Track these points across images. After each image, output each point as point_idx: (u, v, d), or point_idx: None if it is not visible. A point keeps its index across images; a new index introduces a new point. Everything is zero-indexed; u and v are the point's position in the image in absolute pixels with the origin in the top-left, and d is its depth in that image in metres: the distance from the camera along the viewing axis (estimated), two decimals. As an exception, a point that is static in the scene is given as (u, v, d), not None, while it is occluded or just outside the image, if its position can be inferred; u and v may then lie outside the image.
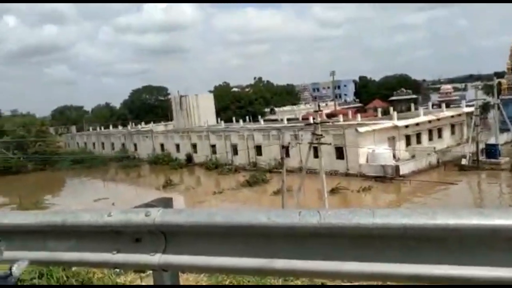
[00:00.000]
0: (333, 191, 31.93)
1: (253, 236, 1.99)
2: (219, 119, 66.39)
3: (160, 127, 70.58)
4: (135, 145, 64.97)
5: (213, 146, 52.14)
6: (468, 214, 1.68)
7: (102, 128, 77.79)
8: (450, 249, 1.72)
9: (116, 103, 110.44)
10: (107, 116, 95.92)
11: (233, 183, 41.53)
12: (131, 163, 58.81)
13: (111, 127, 78.39)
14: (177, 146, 57.52)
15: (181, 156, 55.82)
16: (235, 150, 49.52)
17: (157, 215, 2.12)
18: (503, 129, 41.55)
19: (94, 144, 72.61)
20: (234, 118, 66.66)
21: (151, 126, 71.03)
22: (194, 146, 55.01)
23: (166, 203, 2.42)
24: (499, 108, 41.34)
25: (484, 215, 1.68)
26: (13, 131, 64.18)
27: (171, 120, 72.53)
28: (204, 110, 64.48)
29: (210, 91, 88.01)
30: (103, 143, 70.99)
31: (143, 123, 77.22)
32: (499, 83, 49.94)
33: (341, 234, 1.80)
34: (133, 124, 78.67)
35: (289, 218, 1.86)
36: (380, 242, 1.78)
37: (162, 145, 60.11)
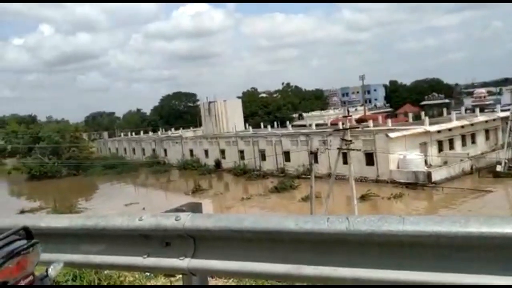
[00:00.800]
0: (363, 198, 31.47)
1: (281, 242, 2.00)
2: (247, 125, 66.60)
3: (189, 133, 71.32)
4: (165, 150, 65.84)
5: (241, 152, 52.31)
6: (501, 223, 1.64)
7: (133, 133, 79.32)
8: (483, 258, 1.68)
9: (147, 109, 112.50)
10: (137, 122, 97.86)
11: (261, 189, 41.52)
12: (161, 168, 59.63)
13: (141, 133, 79.81)
14: (206, 151, 58.00)
15: (210, 161, 56.22)
16: (263, 156, 49.53)
17: (187, 220, 2.15)
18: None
19: (125, 149, 74.11)
20: (262, 124, 66.78)
21: (180, 132, 71.90)
22: (222, 151, 55.34)
23: (195, 208, 2.45)
24: (536, 112, 39.91)
25: (519, 223, 1.63)
26: (49, 137, 66.17)
27: (200, 126, 73.25)
28: (232, 116, 64.81)
29: (238, 97, 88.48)
30: (134, 149, 72.35)
31: (173, 129, 78.25)
32: (536, 87, 48.29)
33: (370, 241, 1.78)
34: (163, 130, 79.87)
35: (317, 224, 1.86)
36: (410, 250, 1.76)
37: (191, 151, 60.72)
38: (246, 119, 71.19)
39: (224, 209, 35.65)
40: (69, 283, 3.49)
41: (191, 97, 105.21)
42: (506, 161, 35.64)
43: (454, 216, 1.87)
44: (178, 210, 2.34)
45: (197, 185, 44.30)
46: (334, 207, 30.66)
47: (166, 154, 65.12)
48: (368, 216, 1.80)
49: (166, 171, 58.59)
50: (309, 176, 26.65)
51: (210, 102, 66.80)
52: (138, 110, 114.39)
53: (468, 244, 1.68)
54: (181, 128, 75.81)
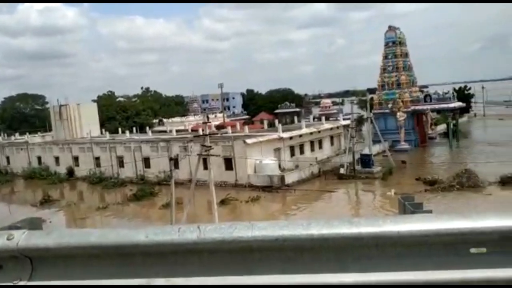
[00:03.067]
0: (223, 202, 32.16)
1: (131, 255, 1.90)
2: (103, 130, 63.26)
3: (37, 138, 65.07)
4: (7, 158, 59.07)
5: (97, 159, 49.43)
6: (339, 224, 1.78)
7: (-34, 139, 69.44)
8: (324, 258, 1.80)
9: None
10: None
11: (119, 197, 39.74)
12: (3, 179, 53.28)
13: (-24, 138, 70.34)
14: (57, 159, 53.49)
15: (62, 169, 51.97)
16: (121, 163, 47.48)
17: (21, 238, 1.91)
18: (376, 141, 45.62)
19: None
20: (120, 129, 64.12)
21: (26, 137, 65.11)
22: (76, 158, 51.60)
23: (34, 224, 2.20)
24: (371, 121, 45.36)
25: (353, 224, 1.80)
26: None
27: (50, 130, 67.41)
28: (87, 121, 60.94)
29: (94, 101, 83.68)
30: (-33, 157, 63.34)
31: (17, 134, 70.53)
32: (372, 99, 54.96)
33: (221, 248, 1.79)
34: (5, 135, 71.38)
35: (168, 234, 1.81)
36: (259, 255, 1.81)
37: (39, 158, 55.46)
38: (102, 124, 67.63)
39: (78, 221, 33.28)
40: None
41: (39, 99, 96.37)
42: (348, 164, 39.71)
43: (298, 220, 1.98)
44: (11, 227, 2.07)
45: (46, 195, 40.50)
46: (196, 212, 30.78)
47: (9, 162, 58.47)
48: (219, 224, 1.81)
49: (9, 181, 52.53)
50: (170, 183, 26.31)
51: (61, 105, 61.91)
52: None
53: (311, 246, 1.79)
54: (27, 133, 68.63)
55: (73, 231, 1.95)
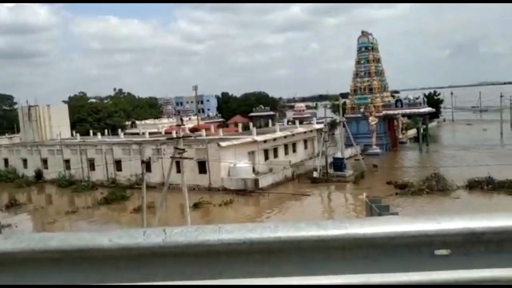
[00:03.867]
0: (196, 205, 31.96)
1: (95, 260, 1.84)
2: (74, 132, 61.99)
3: (4, 140, 63.26)
4: (-29, 160, 57.15)
5: (67, 161, 48.39)
6: (306, 227, 1.78)
7: None
8: (291, 261, 1.79)
9: None
10: None
11: (90, 200, 39.00)
12: (-34, 182, 51.53)
13: None
14: (25, 161, 52.12)
15: (30, 172, 50.65)
16: (92, 166, 46.60)
17: (-22, 243, 1.83)
18: (348, 145, 46.24)
19: None
20: (91, 131, 62.97)
21: (-8, 138, 63.23)
22: (44, 161, 50.38)
23: (-8, 228, 2.12)
24: (344, 125, 45.98)
25: (320, 227, 1.79)
26: None
27: (18, 132, 65.61)
28: (57, 122, 59.69)
29: (64, 101, 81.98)
30: None
31: (-18, 135, 68.35)
32: (344, 103, 55.72)
33: (187, 252, 1.76)
34: (-31, 136, 69.06)
35: (133, 238, 1.76)
36: (226, 258, 1.79)
37: (5, 160, 53.91)
38: (73, 126, 66.33)
39: (46, 225, 32.51)
40: None
41: (7, 99, 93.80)
42: (321, 167, 40.11)
43: (265, 222, 1.97)
44: (-33, 232, 1.99)
45: (12, 199, 39.35)
46: (168, 216, 30.49)
47: (-27, 165, 56.47)
48: (186, 227, 1.78)
49: (-27, 184, 50.81)
50: (141, 186, 25.95)
51: (30, 106, 60.46)
52: None
53: (278, 248, 1.78)
54: (-7, 135, 66.65)
55: (33, 235, 1.88)
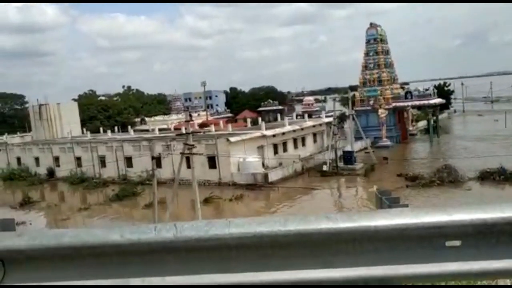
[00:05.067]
0: (206, 201, 32.05)
1: (107, 256, 1.86)
2: (84, 130, 62.44)
3: (16, 139, 63.95)
4: (-15, 159, 57.89)
5: (78, 159, 48.76)
6: (316, 220, 1.78)
7: None
8: (301, 254, 1.80)
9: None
10: None
11: (101, 197, 39.31)
12: (-20, 180, 52.24)
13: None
14: (37, 159, 52.63)
15: (42, 170, 51.15)
16: (103, 163, 46.90)
17: (-8, 240, 1.87)
18: (357, 138, 45.98)
19: None
20: (101, 129, 63.37)
21: (5, 138, 63.87)
22: (56, 159, 50.82)
23: (6, 225, 2.15)
24: (353, 118, 45.70)
25: (330, 220, 1.80)
26: None
27: (30, 131, 66.27)
28: (67, 120, 60.19)
29: (74, 100, 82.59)
30: None
31: (-5, 134, 69.17)
32: (354, 96, 55.35)
33: (198, 246, 1.77)
34: (-17, 136, 69.90)
35: (144, 234, 1.78)
36: (237, 252, 1.80)
37: (18, 159, 54.49)
38: (83, 124, 66.78)
39: (59, 222, 32.83)
40: None
41: (18, 99, 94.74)
42: (330, 161, 39.97)
43: (275, 216, 1.98)
44: (-18, 229, 2.02)
45: (26, 196, 39.81)
46: (179, 211, 30.63)
47: (-14, 164, 57.21)
48: (196, 222, 1.79)
49: (-13, 183, 51.50)
50: (152, 182, 26.11)
51: (41, 105, 60.97)
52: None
53: (288, 242, 1.79)
54: (6, 134, 67.30)
55: (46, 232, 1.91)
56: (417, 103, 54.48)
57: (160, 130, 57.04)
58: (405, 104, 53.90)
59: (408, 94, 54.71)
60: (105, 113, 77.56)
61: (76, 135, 56.68)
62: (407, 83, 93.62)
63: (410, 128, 57.92)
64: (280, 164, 41.10)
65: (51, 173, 50.31)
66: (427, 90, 55.83)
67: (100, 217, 32.72)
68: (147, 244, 1.78)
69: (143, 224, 1.89)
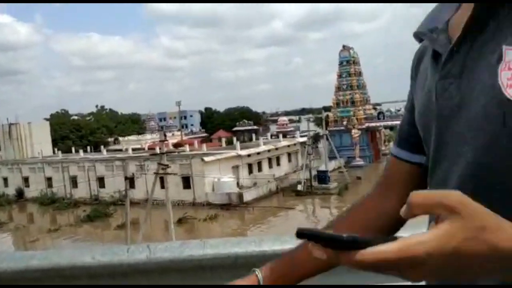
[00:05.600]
0: (180, 221, 31.66)
1: (77, 278, 1.81)
2: (56, 150, 61.11)
3: (-17, 158, 62.05)
4: (-51, 180, 55.86)
5: (49, 179, 47.57)
6: (290, 239, 1.78)
7: None
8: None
9: None
10: None
11: (72, 218, 38.34)
12: None
13: None
14: (5, 179, 51.13)
15: (10, 191, 49.65)
16: (74, 183, 45.91)
17: (-45, 264, 1.79)
18: (331, 157, 46.47)
19: None
20: (73, 148, 62.15)
21: (-29, 158, 61.92)
22: (26, 179, 49.47)
23: (-29, 248, 2.07)
24: (327, 138, 46.28)
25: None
26: None
27: (-1, 150, 64.50)
28: (38, 140, 58.82)
29: (46, 119, 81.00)
30: None
31: (-39, 154, 66.86)
32: (327, 116, 56.13)
33: (172, 267, 1.75)
34: None
35: (116, 255, 1.75)
36: (211, 273, 1.78)
37: (-15, 180, 52.82)
38: (55, 143, 65.35)
39: (28, 244, 31.80)
40: None
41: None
42: (305, 180, 40.19)
43: (250, 236, 1.97)
44: None
45: (-8, 218, 38.51)
46: (152, 232, 30.08)
47: (-49, 185, 55.17)
48: (170, 243, 1.77)
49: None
50: (125, 203, 25.65)
51: (11, 124, 59.60)
52: None
53: (263, 262, 1.77)
54: (-28, 154, 65.21)
55: (14, 253, 1.85)
56: (389, 123, 55.59)
57: (133, 150, 56.31)
58: (378, 124, 54.95)
59: (381, 115, 55.85)
60: (78, 132, 76.17)
61: (47, 155, 55.39)
62: (379, 104, 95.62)
63: (383, 148, 58.92)
64: (255, 184, 41.05)
65: (20, 193, 48.89)
66: (398, 111, 57.05)
67: (71, 238, 31.87)
68: (119, 266, 1.74)
69: (115, 245, 1.85)
